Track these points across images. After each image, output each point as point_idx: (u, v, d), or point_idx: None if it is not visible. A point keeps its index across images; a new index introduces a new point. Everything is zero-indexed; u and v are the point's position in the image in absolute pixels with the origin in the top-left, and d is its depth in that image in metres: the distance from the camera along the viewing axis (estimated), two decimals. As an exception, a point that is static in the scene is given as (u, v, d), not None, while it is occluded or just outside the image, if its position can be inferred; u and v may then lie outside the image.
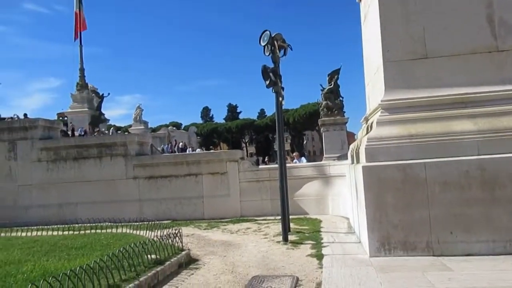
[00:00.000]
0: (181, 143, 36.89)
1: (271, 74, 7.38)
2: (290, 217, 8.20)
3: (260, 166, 12.98)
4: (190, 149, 32.13)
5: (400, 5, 6.15)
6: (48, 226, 10.03)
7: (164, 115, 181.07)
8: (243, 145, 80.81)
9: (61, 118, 37.47)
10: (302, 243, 7.08)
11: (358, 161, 6.59)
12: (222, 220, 10.63)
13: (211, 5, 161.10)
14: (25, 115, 24.37)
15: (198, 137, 60.46)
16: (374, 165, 5.62)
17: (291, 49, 7.97)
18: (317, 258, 5.86)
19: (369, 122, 6.87)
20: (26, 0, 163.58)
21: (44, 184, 11.87)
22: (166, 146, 32.30)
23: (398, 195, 5.43)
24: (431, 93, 5.96)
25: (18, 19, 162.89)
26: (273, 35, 7.37)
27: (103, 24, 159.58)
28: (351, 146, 8.51)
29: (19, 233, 9.22)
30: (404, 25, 6.12)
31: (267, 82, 7.47)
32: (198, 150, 28.92)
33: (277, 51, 7.49)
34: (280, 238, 7.50)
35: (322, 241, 7.08)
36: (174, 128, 51.94)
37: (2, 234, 9.16)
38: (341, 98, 27.71)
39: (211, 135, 79.19)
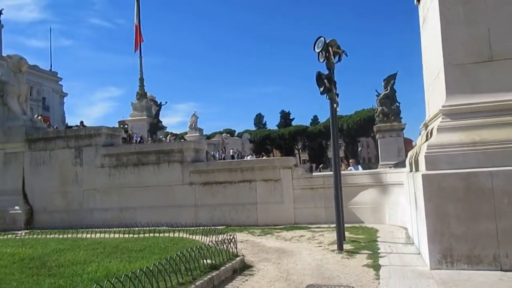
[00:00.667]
0: (231, 151, 37.45)
1: (325, 80, 7.32)
2: (345, 225, 8.04)
3: (314, 173, 12.86)
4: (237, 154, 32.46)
5: (462, 5, 5.88)
6: (110, 229, 10.55)
7: (218, 122, 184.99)
8: (296, 152, 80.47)
9: (122, 125, 39.27)
10: (357, 253, 6.91)
11: (417, 169, 6.35)
12: (276, 227, 10.62)
13: (264, 11, 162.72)
14: (81, 122, 25.86)
15: (251, 144, 61.04)
16: (434, 174, 5.38)
17: (346, 55, 7.86)
18: (374, 269, 5.70)
19: (429, 128, 6.61)
20: (92, 16, 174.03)
21: (106, 189, 12.48)
22: (219, 153, 32.92)
23: (461, 206, 5.16)
24: (496, 97, 5.63)
25: (84, 33, 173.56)
26: (327, 41, 7.31)
27: (162, 35, 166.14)
28: (410, 153, 8.22)
29: (84, 235, 9.75)
30: (467, 26, 5.84)
31: (322, 89, 7.41)
32: (248, 157, 29.18)
33: (332, 57, 7.42)
34: (335, 246, 7.37)
35: (379, 251, 6.88)
36: (228, 135, 52.80)
37: (69, 236, 9.73)
38: (397, 104, 26.89)
39: (264, 142, 79.60)
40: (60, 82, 70.42)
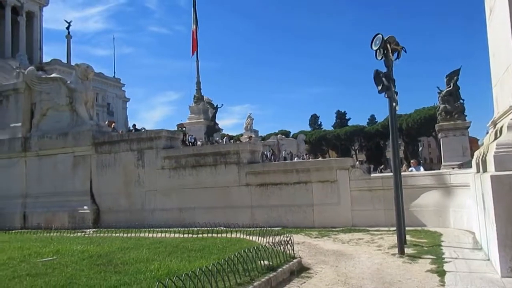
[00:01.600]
0: (284, 152, 37.35)
1: (383, 78, 7.10)
2: (406, 228, 7.75)
3: (373, 175, 12.51)
4: (296, 157, 32.30)
5: (534, -6, 5.46)
6: (170, 229, 10.90)
7: (273, 123, 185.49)
8: (353, 152, 78.70)
9: (180, 128, 40.49)
10: (420, 257, 6.62)
11: (485, 170, 5.97)
12: (333, 229, 10.44)
13: (318, 11, 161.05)
14: (134, 125, 26.90)
15: (307, 145, 60.55)
16: (504, 174, 5.04)
17: (405, 51, 7.57)
18: (438, 275, 5.43)
19: (498, 126, 6.19)
20: (151, 24, 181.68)
21: (166, 190, 12.92)
22: (269, 153, 32.90)
23: (536, 209, 4.78)
24: None
25: (144, 41, 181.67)
26: (385, 38, 7.09)
27: (218, 38, 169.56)
28: (476, 153, 7.76)
29: (146, 234, 10.16)
30: (540, 16, 5.41)
31: (380, 87, 7.19)
32: (295, 159, 28.90)
33: (390, 54, 7.18)
34: (396, 250, 7.11)
35: (443, 256, 6.55)
36: (283, 136, 52.75)
37: (133, 235, 10.18)
38: (461, 101, 25.50)
39: (319, 143, 78.68)
40: (123, 88, 74.03)
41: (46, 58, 65.75)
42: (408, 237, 7.94)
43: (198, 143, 27.44)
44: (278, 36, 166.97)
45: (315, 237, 9.33)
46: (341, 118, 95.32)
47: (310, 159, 25.17)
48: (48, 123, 14.46)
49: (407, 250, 7.08)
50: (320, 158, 28.08)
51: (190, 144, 25.03)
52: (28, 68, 16.09)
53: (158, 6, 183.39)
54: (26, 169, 14.48)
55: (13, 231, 12.39)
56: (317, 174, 11.43)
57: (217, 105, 37.82)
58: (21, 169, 14.46)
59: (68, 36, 70.65)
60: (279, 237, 7.45)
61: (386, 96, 7.39)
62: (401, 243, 7.05)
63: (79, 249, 7.69)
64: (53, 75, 16.56)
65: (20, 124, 14.55)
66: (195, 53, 37.47)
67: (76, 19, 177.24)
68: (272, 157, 30.85)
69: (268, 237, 7.84)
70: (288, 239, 6.88)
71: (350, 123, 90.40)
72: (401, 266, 6.11)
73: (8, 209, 14.16)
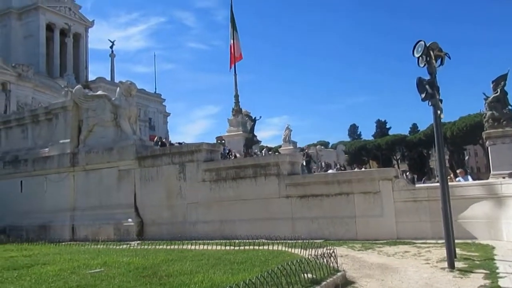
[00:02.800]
0: (322, 163, 36.91)
1: (427, 86, 6.91)
2: (455, 241, 7.42)
3: (417, 185, 12.12)
4: (334, 168, 31.86)
5: None
6: (212, 241, 10.97)
7: (312, 134, 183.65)
8: (394, 162, 76.69)
9: (219, 141, 41.00)
10: (472, 272, 6.32)
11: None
12: (376, 241, 10.16)
13: (357, 19, 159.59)
14: (160, 138, 27.38)
15: (346, 155, 59.61)
16: None
17: (449, 57, 7.35)
18: (493, 290, 5.15)
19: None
20: (190, 40, 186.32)
21: (207, 202, 13.05)
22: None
23: None
24: None
25: (184, 56, 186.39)
26: (428, 45, 6.91)
27: (253, 53, 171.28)
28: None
29: (188, 246, 10.28)
30: None
31: (423, 95, 7.00)
32: (330, 171, 28.35)
33: (433, 61, 6.99)
34: (445, 264, 6.83)
35: (497, 270, 6.22)
36: (322, 147, 52.24)
37: (176, 247, 10.32)
38: (510, 107, 24.34)
39: (359, 153, 77.23)
40: (163, 103, 76.05)
41: (91, 77, 68.81)
42: (457, 250, 7.60)
43: (238, 155, 27.62)
44: (316, 47, 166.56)
45: (359, 250, 9.11)
46: (382, 127, 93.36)
47: (355, 170, 24.73)
48: (94, 139, 15.03)
49: (457, 264, 6.77)
50: (356, 169, 27.49)
51: (230, 156, 25.26)
52: (76, 86, 16.84)
53: (196, 22, 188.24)
54: (74, 183, 15.07)
55: (63, 243, 12.88)
56: (359, 185, 11.20)
57: (255, 118, 38.07)
58: (69, 183, 15.07)
59: (112, 55, 73.63)
60: (321, 249, 7.33)
61: (430, 104, 7.17)
62: (451, 257, 6.76)
63: (125, 261, 7.88)
64: (99, 92, 17.25)
65: (68, 140, 15.20)
66: (233, 67, 37.99)
67: (119, 39, 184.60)
68: (310, 167, 30.59)
69: (310, 249, 7.73)
70: (331, 251, 6.75)
71: (390, 132, 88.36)
72: (451, 281, 5.85)
73: (58, 222, 14.77)
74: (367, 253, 8.71)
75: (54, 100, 21.62)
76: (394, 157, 78.98)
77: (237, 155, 28.08)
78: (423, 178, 34.41)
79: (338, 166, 37.17)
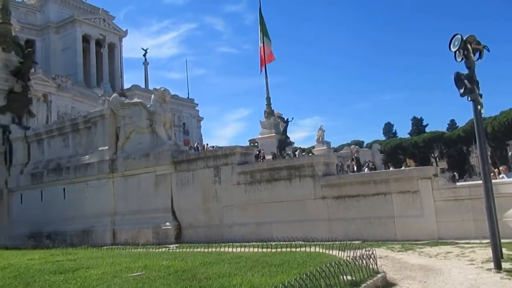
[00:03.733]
0: (365, 161, 36.29)
1: (466, 81, 6.68)
2: (501, 241, 7.12)
3: (458, 183, 11.73)
4: (366, 168, 31.28)
5: None
6: (248, 243, 11.01)
7: (345, 134, 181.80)
8: (432, 160, 74.52)
9: (252, 143, 41.19)
10: (520, 273, 6.04)
11: None
12: (417, 242, 9.90)
13: (387, 19, 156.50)
14: (197, 144, 27.68)
15: (382, 154, 58.45)
16: None
17: (488, 50, 7.08)
18: (545, 292, 4.92)
19: None
20: (221, 45, 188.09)
21: (243, 205, 13.11)
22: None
23: None
24: None
25: (215, 61, 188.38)
26: (465, 38, 6.69)
27: (284, 54, 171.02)
28: None
29: (225, 249, 10.35)
30: None
31: (462, 91, 6.78)
32: (366, 170, 27.74)
33: (471, 55, 6.76)
34: (491, 265, 6.57)
35: (549, 271, 5.92)
36: (357, 146, 51.45)
37: (213, 249, 10.42)
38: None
39: (395, 152, 75.54)
40: (196, 108, 77.16)
41: (126, 85, 70.84)
42: (504, 251, 7.29)
43: (268, 157, 27.64)
44: (345, 46, 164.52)
45: (398, 251, 8.91)
46: (418, 124, 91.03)
47: (391, 169, 24.21)
48: (131, 145, 15.42)
49: (505, 265, 6.50)
50: (391, 168, 26.84)
51: (260, 158, 25.33)
52: (112, 95, 17.36)
53: (226, 27, 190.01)
54: (114, 189, 15.51)
55: (105, 247, 13.27)
56: (396, 184, 10.97)
57: (287, 119, 38.07)
58: (109, 189, 15.53)
59: (145, 63, 75.50)
60: (360, 251, 7.22)
61: (469, 99, 6.93)
62: (497, 257, 6.50)
63: (164, 264, 8.03)
64: (134, 100, 17.69)
65: (107, 147, 15.67)
66: (264, 69, 38.12)
67: (152, 47, 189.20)
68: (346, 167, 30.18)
69: (348, 251, 7.63)
70: (370, 252, 6.64)
71: (427, 129, 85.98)
72: (498, 282, 5.63)
73: (99, 227, 15.25)
74: (408, 254, 8.51)
75: (92, 108, 22.38)
76: (432, 155, 76.72)
77: (266, 156, 28.17)
78: (464, 176, 33.26)
79: (370, 165, 36.54)
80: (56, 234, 16.24)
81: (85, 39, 66.86)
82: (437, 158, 76.36)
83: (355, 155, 34.65)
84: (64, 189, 16.72)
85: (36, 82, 30.24)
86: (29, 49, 23.91)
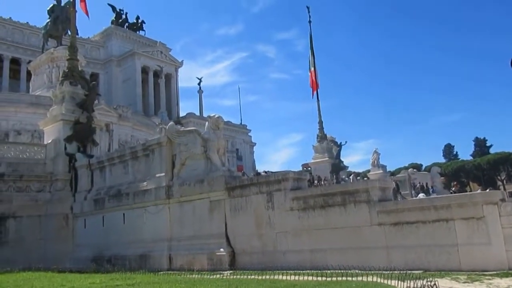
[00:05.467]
0: (418, 184, 34.88)
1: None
2: None
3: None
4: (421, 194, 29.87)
5: None
6: (302, 271, 10.78)
7: (402, 157, 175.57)
8: (499, 183, 69.90)
9: (305, 168, 40.90)
10: None
11: None
12: (484, 272, 9.23)
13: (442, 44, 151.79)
14: (257, 171, 27.66)
15: (442, 177, 55.69)
16: None
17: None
18: None
19: None
20: (272, 71, 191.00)
21: (296, 231, 12.91)
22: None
23: None
24: None
25: (267, 87, 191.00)
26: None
27: (334, 78, 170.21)
28: None
29: (279, 276, 10.20)
30: None
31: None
32: (421, 195, 26.40)
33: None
34: None
35: None
36: (415, 170, 49.47)
37: (267, 277, 10.32)
38: None
39: (457, 174, 71.76)
40: (249, 134, 78.17)
41: (182, 113, 73.37)
42: None
43: (316, 181, 27.28)
44: (397, 68, 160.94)
45: (464, 282, 8.34)
46: (481, 145, 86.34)
47: (452, 194, 23.01)
48: (187, 171, 15.82)
49: None
50: (451, 193, 25.44)
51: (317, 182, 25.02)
52: (169, 123, 18.03)
53: (277, 54, 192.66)
54: (170, 215, 15.91)
55: (161, 272, 13.54)
56: (459, 210, 10.36)
57: (340, 143, 37.62)
58: (166, 215, 15.94)
59: (200, 91, 78.13)
60: (421, 281, 6.85)
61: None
62: None
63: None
64: (189, 128, 18.25)
65: (163, 174, 16.19)
66: (316, 94, 38.10)
67: (206, 75, 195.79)
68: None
69: (408, 281, 7.25)
70: (432, 283, 6.28)
71: (492, 150, 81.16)
72: None
73: (156, 252, 15.62)
74: (474, 285, 7.95)
75: (150, 136, 23.37)
76: (499, 177, 72.07)
77: (316, 181, 27.85)
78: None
79: (426, 188, 34.94)
80: (116, 258, 16.83)
81: (144, 71, 70.51)
82: (504, 181, 71.53)
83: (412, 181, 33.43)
84: (124, 214, 17.39)
85: (99, 113, 32.17)
86: (93, 82, 25.61)
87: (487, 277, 8.65)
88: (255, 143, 78.94)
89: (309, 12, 43.31)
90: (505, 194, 11.17)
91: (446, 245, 10.35)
